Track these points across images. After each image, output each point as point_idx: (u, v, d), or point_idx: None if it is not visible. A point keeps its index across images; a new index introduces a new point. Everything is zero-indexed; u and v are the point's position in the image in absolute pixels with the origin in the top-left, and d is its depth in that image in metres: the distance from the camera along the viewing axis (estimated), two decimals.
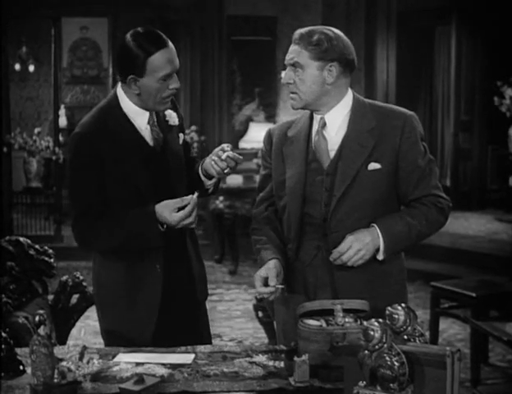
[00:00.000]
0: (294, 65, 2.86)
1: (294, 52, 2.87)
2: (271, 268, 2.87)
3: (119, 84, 3.00)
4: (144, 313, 2.99)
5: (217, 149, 3.02)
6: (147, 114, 2.99)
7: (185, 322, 3.10)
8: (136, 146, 2.96)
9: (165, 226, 2.89)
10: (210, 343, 3.14)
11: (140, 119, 2.98)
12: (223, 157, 2.95)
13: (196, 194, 2.89)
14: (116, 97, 2.99)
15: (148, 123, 3.00)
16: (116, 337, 2.99)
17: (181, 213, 2.86)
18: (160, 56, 2.85)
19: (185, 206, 2.86)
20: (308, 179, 2.89)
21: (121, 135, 2.93)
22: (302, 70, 2.84)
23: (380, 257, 2.81)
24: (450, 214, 2.94)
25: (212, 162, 2.99)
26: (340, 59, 2.83)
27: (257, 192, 3.15)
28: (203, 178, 3.10)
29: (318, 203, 2.87)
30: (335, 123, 2.89)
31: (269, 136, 3.06)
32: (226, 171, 2.99)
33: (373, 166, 2.82)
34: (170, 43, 2.89)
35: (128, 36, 2.90)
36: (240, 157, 2.99)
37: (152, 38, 2.87)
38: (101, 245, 2.98)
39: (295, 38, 2.88)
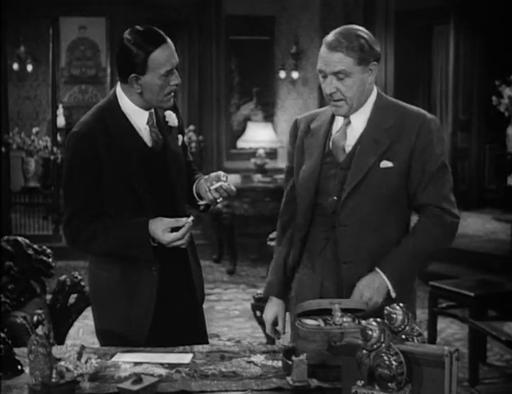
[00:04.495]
0: (338, 73, 2.81)
1: (336, 60, 2.80)
2: (279, 312, 3.07)
3: (118, 84, 2.99)
4: (139, 315, 2.99)
5: (213, 175, 3.02)
6: (146, 114, 2.99)
7: (182, 325, 3.10)
8: (134, 147, 2.95)
9: (156, 242, 2.89)
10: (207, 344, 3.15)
11: (139, 119, 2.98)
12: (216, 187, 2.96)
13: (192, 218, 2.88)
14: (115, 96, 2.98)
15: (148, 124, 3.00)
16: (111, 338, 2.98)
17: (173, 235, 2.85)
18: (161, 52, 2.86)
19: (179, 227, 2.86)
20: (323, 172, 2.92)
21: (120, 135, 2.93)
22: (348, 77, 2.81)
23: (392, 295, 2.83)
24: None
25: (206, 188, 3.00)
26: (377, 57, 2.87)
27: (284, 186, 3.15)
28: (195, 196, 3.11)
29: (330, 196, 2.90)
30: (359, 121, 2.91)
31: (295, 127, 3.08)
32: (218, 200, 3.01)
33: (385, 164, 2.84)
34: (168, 40, 2.90)
35: (126, 35, 2.90)
36: (234, 189, 3.00)
37: (151, 35, 2.88)
38: (91, 247, 2.98)
39: (333, 45, 2.80)
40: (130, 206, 2.93)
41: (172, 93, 2.96)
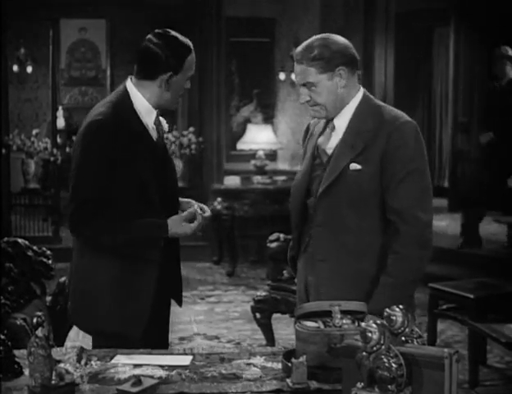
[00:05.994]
0: (306, 84, 2.93)
1: (301, 72, 2.93)
2: None
3: (129, 81, 3.05)
4: (136, 313, 2.99)
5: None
6: (155, 113, 3.07)
7: (167, 323, 3.21)
8: (145, 141, 3.03)
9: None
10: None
11: (148, 117, 3.05)
12: None
13: (196, 205, 3.10)
14: (127, 93, 3.03)
15: (154, 123, 3.08)
16: (106, 337, 2.96)
17: (197, 223, 3.03)
18: (192, 57, 3.09)
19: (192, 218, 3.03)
20: (312, 173, 3.02)
21: (133, 130, 2.99)
22: (315, 86, 2.92)
23: None
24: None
25: None
26: (345, 61, 2.92)
27: None
28: None
29: (314, 196, 2.98)
30: (341, 126, 2.97)
31: (306, 131, 3.19)
32: None
33: (354, 166, 2.89)
34: None
35: (159, 36, 3.02)
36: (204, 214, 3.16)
37: (186, 40, 3.07)
38: (99, 239, 2.98)
39: (297, 58, 2.94)
40: (137, 196, 2.98)
41: (181, 97, 3.14)
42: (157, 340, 3.04)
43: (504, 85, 8.54)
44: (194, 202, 3.17)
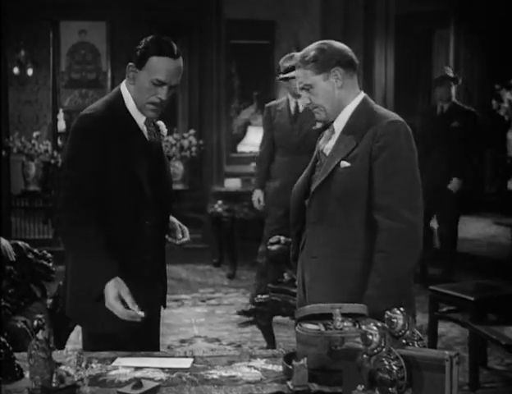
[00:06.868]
0: (305, 87, 3.01)
1: (300, 75, 3.03)
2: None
3: (123, 82, 3.08)
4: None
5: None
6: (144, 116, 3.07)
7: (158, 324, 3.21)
8: (137, 139, 3.03)
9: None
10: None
11: (139, 118, 3.06)
12: None
13: (142, 314, 2.78)
14: (120, 94, 3.06)
15: (145, 124, 3.08)
16: (106, 341, 2.94)
17: (125, 314, 2.79)
18: (163, 61, 2.93)
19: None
20: (312, 174, 3.09)
21: (126, 127, 3.00)
22: (312, 88, 2.99)
23: None
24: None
25: None
26: (340, 62, 2.98)
27: None
28: None
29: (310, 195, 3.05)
30: (339, 128, 3.03)
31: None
32: None
33: (344, 164, 2.94)
34: (179, 60, 2.98)
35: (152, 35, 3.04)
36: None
37: (166, 44, 2.96)
38: (75, 243, 2.93)
39: (296, 63, 3.05)
40: (132, 192, 2.98)
41: (154, 107, 3.00)
42: (148, 342, 3.04)
43: (446, 110, 8.09)
44: (176, 222, 3.21)
